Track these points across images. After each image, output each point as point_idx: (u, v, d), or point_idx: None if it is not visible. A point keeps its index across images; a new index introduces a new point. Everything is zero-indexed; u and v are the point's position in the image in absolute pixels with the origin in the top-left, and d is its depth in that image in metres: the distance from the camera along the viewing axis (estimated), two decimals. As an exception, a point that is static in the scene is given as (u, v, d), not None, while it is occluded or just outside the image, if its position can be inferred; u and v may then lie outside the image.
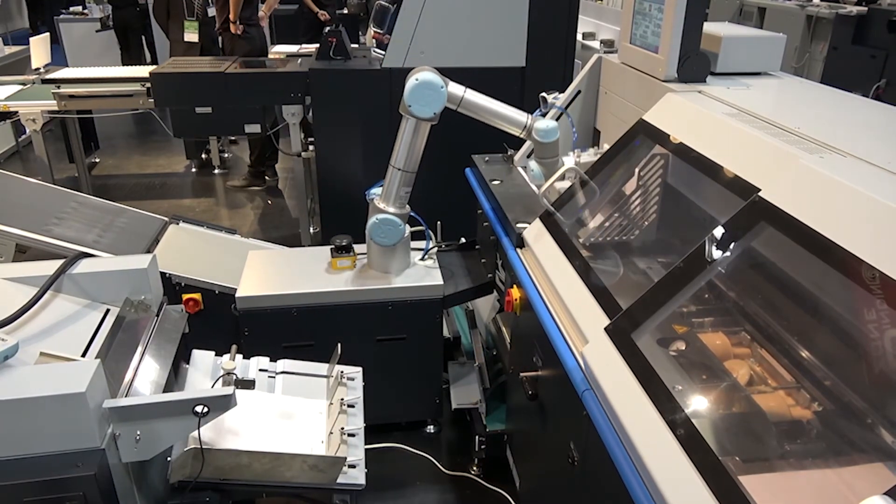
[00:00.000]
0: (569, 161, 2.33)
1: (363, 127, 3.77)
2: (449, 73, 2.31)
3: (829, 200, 1.23)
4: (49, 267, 1.71)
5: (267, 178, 5.75)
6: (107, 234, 2.63)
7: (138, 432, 1.39)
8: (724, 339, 1.63)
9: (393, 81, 3.64)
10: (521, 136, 2.37)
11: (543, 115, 2.40)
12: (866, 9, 5.84)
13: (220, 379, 1.75)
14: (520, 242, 2.16)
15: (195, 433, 1.45)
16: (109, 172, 6.17)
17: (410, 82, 2.26)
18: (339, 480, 1.66)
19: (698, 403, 1.44)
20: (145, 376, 1.60)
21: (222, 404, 1.44)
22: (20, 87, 4.68)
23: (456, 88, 2.31)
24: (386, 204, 2.50)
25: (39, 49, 5.37)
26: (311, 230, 4.51)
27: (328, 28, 4.00)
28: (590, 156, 2.32)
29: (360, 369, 1.98)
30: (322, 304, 2.55)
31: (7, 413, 1.27)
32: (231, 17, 4.91)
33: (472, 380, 2.86)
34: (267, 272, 2.67)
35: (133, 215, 2.91)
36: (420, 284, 2.60)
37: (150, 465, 1.55)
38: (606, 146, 2.31)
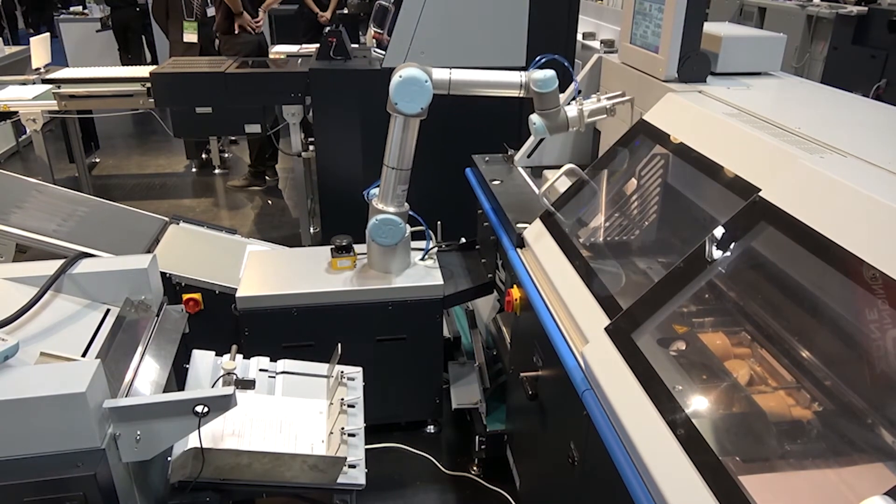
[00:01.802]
0: (571, 110, 2.23)
1: (363, 127, 3.77)
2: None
3: (829, 200, 1.23)
4: (49, 267, 1.71)
5: (267, 178, 5.75)
6: (67, 223, 2.62)
7: (138, 432, 1.39)
8: (724, 339, 1.63)
9: (393, 81, 3.63)
10: (520, 94, 2.28)
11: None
12: (866, 9, 5.84)
13: (221, 379, 1.75)
14: (520, 242, 2.16)
15: (195, 433, 1.45)
16: (109, 172, 6.18)
17: (394, 80, 2.23)
18: (339, 480, 1.66)
19: (698, 403, 1.44)
20: (145, 376, 1.60)
21: (222, 404, 1.44)
22: (48, 86, 4.58)
23: (441, 73, 2.25)
24: (384, 204, 2.49)
25: (39, 49, 5.36)
26: (311, 230, 4.51)
27: (328, 28, 3.99)
28: (592, 103, 2.24)
29: (360, 369, 1.98)
30: (322, 304, 2.55)
31: (7, 413, 1.27)
32: (235, 9, 4.92)
33: (472, 380, 2.86)
34: (267, 272, 2.67)
35: (133, 215, 2.91)
36: (420, 284, 2.60)
37: (151, 465, 1.55)
38: (607, 102, 2.24)
